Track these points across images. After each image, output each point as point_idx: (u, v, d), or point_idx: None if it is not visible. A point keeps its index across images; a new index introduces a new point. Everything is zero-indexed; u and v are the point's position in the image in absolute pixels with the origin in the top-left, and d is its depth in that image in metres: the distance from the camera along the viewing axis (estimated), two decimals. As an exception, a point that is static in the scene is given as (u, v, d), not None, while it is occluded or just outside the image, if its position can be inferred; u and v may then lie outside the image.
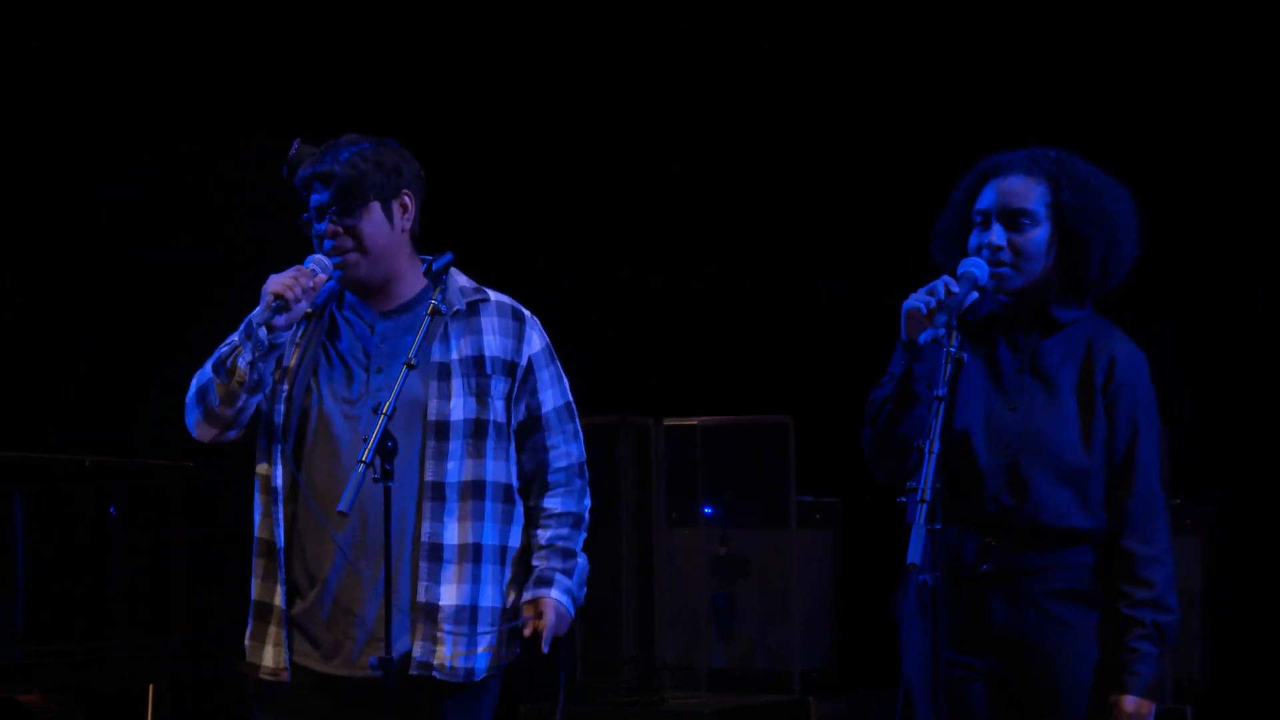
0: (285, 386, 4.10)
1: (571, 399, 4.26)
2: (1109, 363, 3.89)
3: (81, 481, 5.94)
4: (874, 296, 4.79)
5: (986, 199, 3.93)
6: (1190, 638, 7.00)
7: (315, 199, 4.12)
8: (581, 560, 4.23)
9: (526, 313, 4.23)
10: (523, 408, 4.19)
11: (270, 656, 4.10)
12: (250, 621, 4.15)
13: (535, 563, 4.18)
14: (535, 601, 4.14)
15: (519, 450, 4.20)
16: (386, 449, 3.84)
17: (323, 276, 4.08)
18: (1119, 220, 3.92)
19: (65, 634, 5.80)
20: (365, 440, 3.85)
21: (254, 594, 4.14)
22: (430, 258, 4.11)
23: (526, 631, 4.12)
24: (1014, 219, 3.90)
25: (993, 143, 4.07)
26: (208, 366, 4.07)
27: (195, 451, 4.36)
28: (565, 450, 4.23)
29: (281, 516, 4.08)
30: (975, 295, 3.83)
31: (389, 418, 3.84)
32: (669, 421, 7.61)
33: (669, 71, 8.11)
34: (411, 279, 4.17)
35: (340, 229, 4.09)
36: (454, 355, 4.11)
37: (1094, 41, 7.44)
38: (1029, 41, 7.50)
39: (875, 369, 3.93)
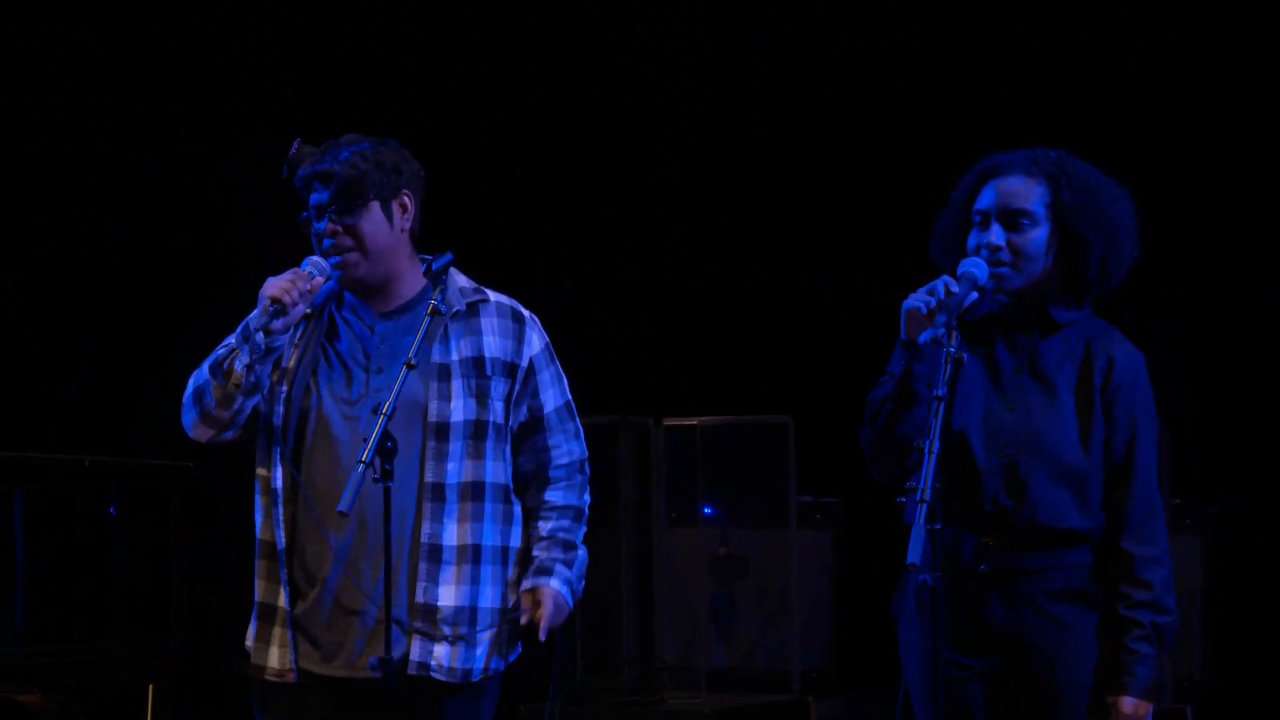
0: (284, 388, 4.09)
1: (571, 398, 4.27)
2: (1107, 364, 3.89)
3: (81, 481, 5.94)
4: (874, 296, 4.79)
5: (986, 199, 3.93)
6: (1190, 638, 7.00)
7: (315, 198, 4.11)
8: (581, 553, 4.23)
9: (526, 313, 4.23)
10: (524, 409, 4.19)
11: (275, 658, 4.10)
12: (254, 623, 4.15)
13: (535, 553, 4.18)
14: (534, 591, 4.14)
15: (519, 450, 4.20)
16: (386, 449, 3.84)
17: (320, 279, 4.08)
18: (1118, 221, 3.92)
19: (65, 634, 5.81)
20: (365, 441, 3.85)
21: (258, 595, 4.14)
22: (430, 257, 4.11)
23: (524, 620, 4.12)
24: (1013, 219, 3.90)
25: (993, 143, 4.07)
26: (204, 368, 4.07)
27: (195, 451, 4.36)
28: (567, 448, 4.24)
29: (282, 518, 4.08)
30: (975, 295, 3.83)
31: (388, 418, 3.84)
32: (669, 421, 7.61)
33: (669, 71, 8.11)
34: (411, 279, 4.17)
35: (339, 228, 4.09)
36: (454, 356, 4.11)
37: (1094, 41, 7.44)
38: (1029, 41, 7.50)
39: (875, 369, 3.93)
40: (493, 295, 4.21)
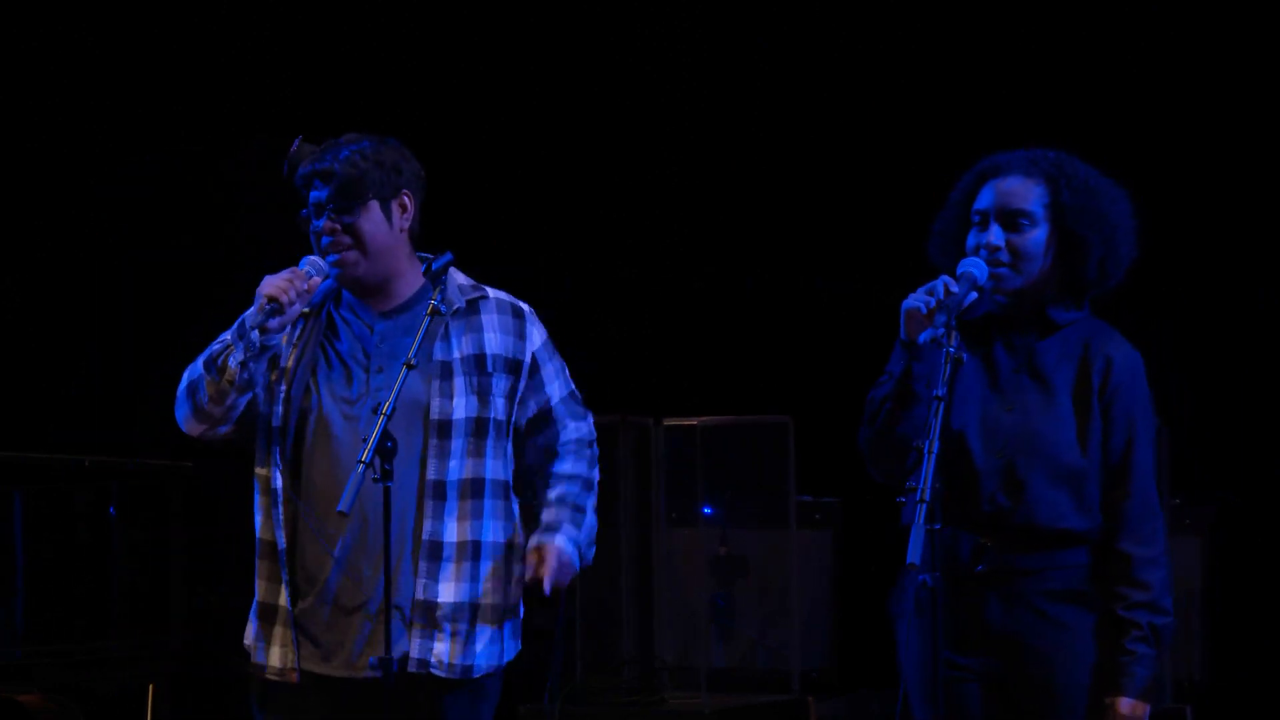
0: (284, 387, 4.09)
1: (575, 387, 4.28)
2: (1105, 364, 3.89)
3: (81, 481, 5.94)
4: (874, 296, 4.79)
5: (985, 199, 3.93)
6: (1190, 638, 7.00)
7: (314, 196, 4.11)
8: (591, 519, 4.20)
9: (526, 307, 4.24)
10: (531, 404, 4.20)
11: (277, 657, 4.09)
12: (255, 622, 4.14)
13: (543, 516, 4.16)
14: (539, 548, 4.09)
15: (530, 444, 4.20)
16: (386, 449, 3.84)
17: (318, 279, 4.08)
18: (1117, 222, 3.92)
19: (65, 634, 5.81)
20: (365, 440, 3.85)
21: (258, 595, 4.14)
22: (430, 257, 4.11)
23: (528, 576, 4.09)
24: (1012, 220, 3.90)
25: (992, 143, 4.07)
26: (199, 362, 4.06)
27: (195, 452, 4.36)
28: (574, 426, 4.25)
29: (282, 517, 4.08)
30: (974, 295, 3.83)
31: (388, 418, 3.84)
32: (669, 421, 7.61)
33: (669, 71, 8.11)
34: (410, 279, 4.17)
35: (338, 226, 4.09)
36: (455, 354, 4.11)
37: (1094, 41, 7.45)
38: (1029, 41, 7.51)
39: (875, 369, 3.93)
40: (492, 292, 4.22)
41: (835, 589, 7.71)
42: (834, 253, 7.95)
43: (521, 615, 4.19)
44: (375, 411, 3.97)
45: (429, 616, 4.04)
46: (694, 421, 7.59)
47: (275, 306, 3.98)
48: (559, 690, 4.15)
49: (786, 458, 7.51)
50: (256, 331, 3.97)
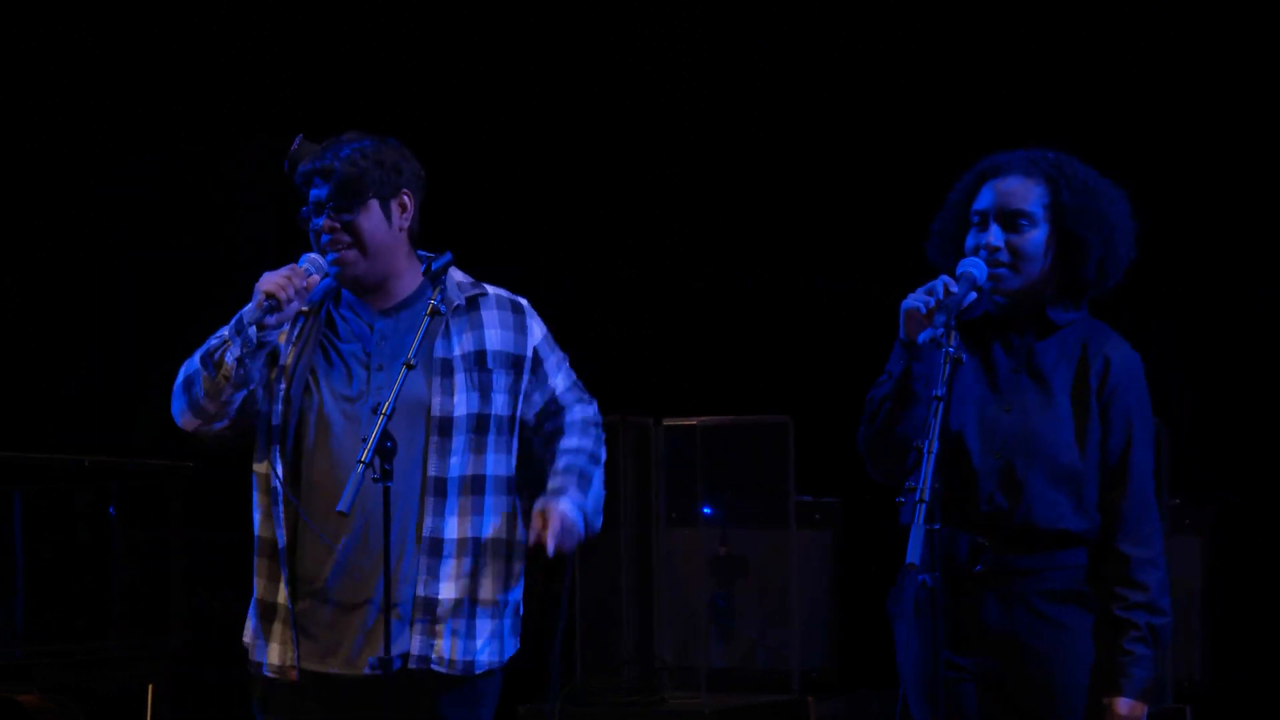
0: (283, 385, 4.09)
1: (577, 377, 4.29)
2: (1104, 365, 3.89)
3: (81, 481, 5.95)
4: (874, 296, 4.79)
5: (984, 200, 3.93)
6: (1190, 638, 7.00)
7: (314, 194, 4.12)
8: (597, 487, 4.17)
9: (524, 303, 4.25)
10: (537, 397, 4.21)
11: (277, 654, 4.10)
12: (253, 620, 4.14)
13: (550, 483, 4.13)
14: (543, 511, 4.06)
15: (537, 436, 4.20)
16: (386, 449, 3.84)
17: (316, 277, 4.08)
18: (1116, 223, 3.92)
19: (65, 634, 5.81)
20: (365, 440, 3.85)
21: (257, 592, 4.14)
22: (430, 256, 4.11)
23: (530, 540, 4.06)
24: (1012, 220, 3.90)
25: (992, 143, 4.07)
26: (196, 358, 4.06)
27: (195, 452, 4.35)
28: (580, 409, 4.26)
29: (281, 516, 4.08)
30: (973, 295, 3.83)
31: (388, 418, 3.84)
32: (669, 421, 7.61)
33: (669, 71, 8.11)
34: (409, 278, 4.17)
35: (338, 225, 4.09)
36: (456, 351, 4.11)
37: (1094, 41, 7.45)
38: (1029, 41, 7.51)
39: (875, 369, 3.93)
40: (491, 289, 4.22)
41: (835, 589, 7.71)
42: (834, 253, 7.95)
43: (522, 613, 4.19)
44: (375, 411, 3.97)
45: (430, 613, 4.04)
46: (694, 421, 7.59)
47: (273, 303, 3.98)
48: (559, 690, 4.13)
49: (786, 458, 7.51)
50: (254, 328, 3.97)
